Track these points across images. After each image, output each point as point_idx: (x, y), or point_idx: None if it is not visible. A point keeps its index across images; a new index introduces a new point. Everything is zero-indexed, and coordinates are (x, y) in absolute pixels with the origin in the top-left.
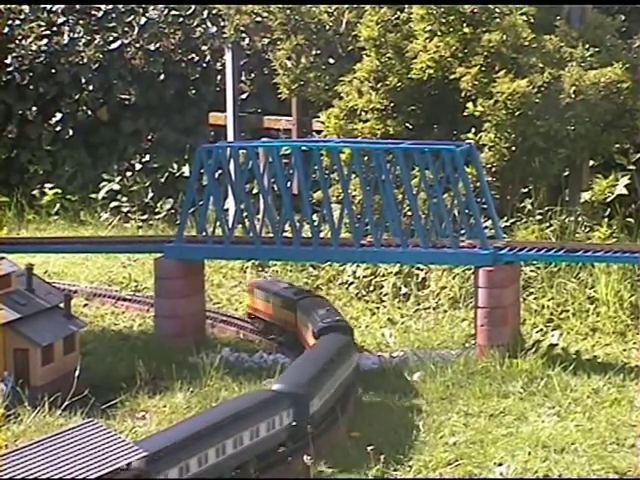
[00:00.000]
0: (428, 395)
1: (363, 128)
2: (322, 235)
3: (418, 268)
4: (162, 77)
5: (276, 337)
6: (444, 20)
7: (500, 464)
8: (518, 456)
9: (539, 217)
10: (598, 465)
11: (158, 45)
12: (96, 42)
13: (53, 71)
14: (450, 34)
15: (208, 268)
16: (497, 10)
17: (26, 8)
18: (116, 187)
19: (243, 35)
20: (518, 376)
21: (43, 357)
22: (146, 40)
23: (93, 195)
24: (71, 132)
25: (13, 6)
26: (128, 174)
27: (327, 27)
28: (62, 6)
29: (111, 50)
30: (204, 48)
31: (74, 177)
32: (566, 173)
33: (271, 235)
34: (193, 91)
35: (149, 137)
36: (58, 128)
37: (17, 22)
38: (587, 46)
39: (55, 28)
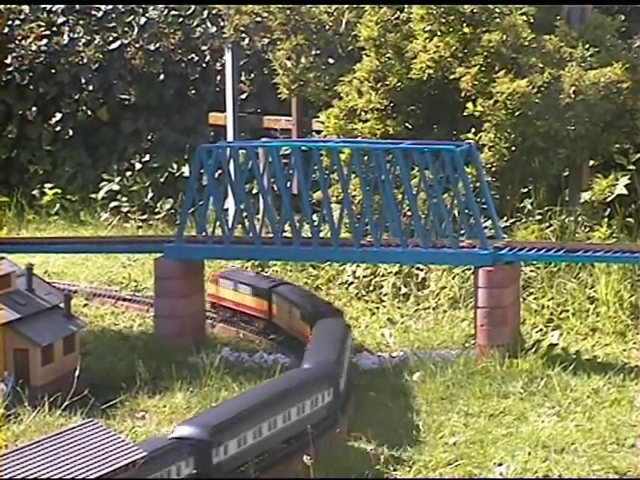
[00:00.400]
0: (428, 395)
1: (363, 128)
2: (322, 235)
3: (418, 268)
4: (162, 77)
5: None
6: (444, 20)
7: (500, 464)
8: (518, 456)
9: (539, 217)
10: (598, 465)
11: (158, 45)
12: (96, 42)
13: (53, 71)
14: (450, 34)
15: (208, 268)
16: (497, 10)
17: (26, 8)
18: (116, 187)
19: (243, 35)
20: (518, 376)
21: (43, 357)
22: (146, 40)
23: (93, 195)
24: (71, 132)
25: (13, 6)
26: (128, 174)
27: (327, 27)
28: (62, 6)
29: (111, 50)
30: (204, 48)
31: (74, 177)
32: (566, 173)
33: (271, 235)
34: (193, 91)
35: (149, 137)
36: (58, 128)
37: (17, 22)
38: (587, 46)
39: (55, 28)
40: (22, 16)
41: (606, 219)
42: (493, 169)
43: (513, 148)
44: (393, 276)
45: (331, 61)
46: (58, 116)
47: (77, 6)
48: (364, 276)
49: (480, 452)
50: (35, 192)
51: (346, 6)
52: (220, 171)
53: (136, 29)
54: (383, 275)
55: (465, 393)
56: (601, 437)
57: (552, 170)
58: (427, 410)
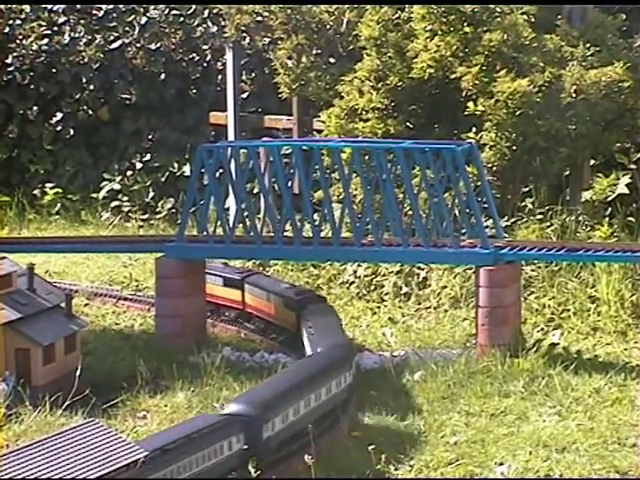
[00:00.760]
0: (429, 394)
1: (364, 127)
2: (323, 235)
3: (419, 267)
4: (163, 77)
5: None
6: (445, 19)
7: (501, 464)
8: (519, 456)
9: (540, 216)
10: (599, 464)
11: (159, 45)
12: (97, 42)
13: (54, 71)
14: (451, 33)
15: None
16: (498, 9)
17: (27, 8)
18: (117, 187)
19: (244, 34)
20: (519, 375)
21: (44, 357)
22: (147, 40)
23: (94, 195)
24: (72, 132)
25: (14, 6)
26: (129, 174)
27: (328, 26)
28: (63, 6)
29: (112, 50)
30: (205, 47)
31: (75, 177)
32: (567, 172)
33: (272, 235)
34: (194, 90)
35: (150, 137)
36: (59, 128)
37: (18, 22)
38: (588, 45)
39: (56, 28)
40: (23, 15)
41: (607, 218)
42: (494, 168)
43: (514, 147)
44: (394, 275)
45: (332, 60)
46: (59, 116)
47: (78, 5)
48: (365, 275)
49: (481, 451)
50: (36, 192)
51: (347, 5)
52: (221, 170)
53: (137, 28)
54: (384, 274)
55: (466, 392)
56: (602, 436)
57: (553, 169)
58: (428, 409)
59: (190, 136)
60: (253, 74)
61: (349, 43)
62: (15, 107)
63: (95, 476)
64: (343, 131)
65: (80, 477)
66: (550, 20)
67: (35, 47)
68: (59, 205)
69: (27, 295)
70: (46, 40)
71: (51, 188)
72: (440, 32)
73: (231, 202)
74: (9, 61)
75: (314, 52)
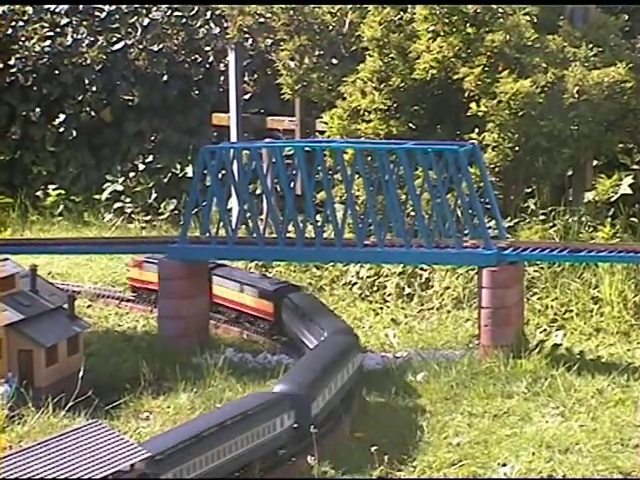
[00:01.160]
0: (432, 395)
1: (366, 128)
2: (325, 235)
3: (422, 268)
4: (165, 78)
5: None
6: (447, 20)
7: (504, 464)
8: (522, 456)
9: (542, 217)
10: (602, 465)
11: (161, 46)
12: (99, 43)
13: (56, 72)
14: (453, 34)
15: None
16: (500, 10)
17: (29, 9)
18: (119, 188)
19: (246, 36)
20: (522, 376)
21: (47, 358)
22: (149, 41)
23: (97, 196)
24: (75, 133)
25: (17, 7)
26: (131, 175)
27: (330, 28)
28: (65, 7)
29: (114, 51)
30: (207, 49)
31: (78, 178)
32: (569, 173)
33: (274, 236)
34: (196, 92)
35: (152, 138)
36: (61, 129)
37: (20, 23)
38: (590, 46)
39: (58, 29)
40: (25, 17)
41: (610, 219)
42: (497, 169)
43: (517, 148)
44: (397, 276)
45: (334, 61)
46: (62, 117)
47: (80, 7)
48: (368, 276)
49: (484, 452)
50: (39, 193)
51: (349, 6)
52: (224, 172)
53: (139, 30)
54: (387, 275)
55: (469, 393)
56: (605, 437)
57: (556, 170)
58: (431, 410)
59: (192, 137)
60: (255, 75)
61: (351, 44)
62: (18, 108)
63: (98, 477)
64: (345, 132)
65: (84, 478)
66: (552, 21)
67: (38, 49)
68: (62, 206)
69: (30, 296)
70: (49, 42)
71: (54, 189)
72: (442, 33)
73: (233, 203)
74: (12, 63)
75: (316, 53)
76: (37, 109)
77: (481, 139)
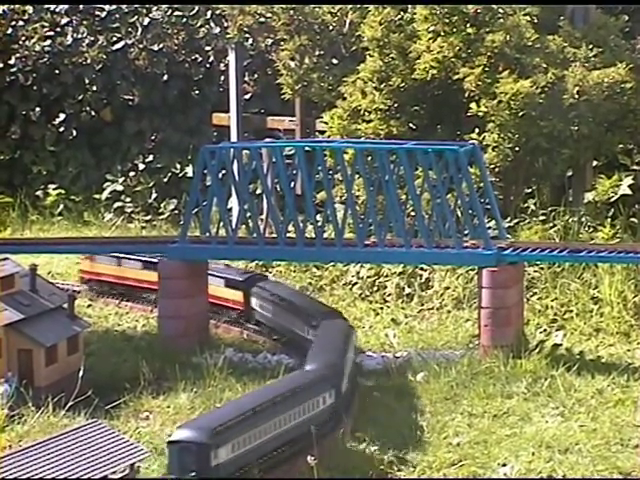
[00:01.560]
0: (432, 395)
1: (367, 128)
2: (326, 235)
3: (422, 268)
4: (165, 78)
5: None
6: (447, 20)
7: (504, 464)
8: (522, 456)
9: (543, 217)
10: (602, 465)
11: (161, 46)
12: (99, 43)
13: (57, 72)
14: (453, 34)
15: None
16: (500, 10)
17: (30, 9)
18: (120, 188)
19: (246, 36)
20: (522, 376)
21: (47, 358)
22: (149, 41)
23: (97, 196)
24: (75, 133)
25: (17, 7)
26: (132, 175)
27: (330, 27)
28: (65, 7)
29: (114, 51)
30: (207, 49)
31: (78, 178)
32: (569, 173)
33: (274, 235)
34: (196, 91)
35: (152, 138)
36: (62, 129)
37: (21, 23)
38: (591, 46)
39: (59, 29)
40: (26, 17)
41: (610, 219)
42: (497, 169)
43: (517, 148)
44: (397, 276)
45: (335, 61)
46: (62, 117)
47: (80, 7)
48: (368, 276)
49: (484, 452)
50: (39, 193)
51: (350, 6)
52: (224, 171)
53: (140, 30)
54: (387, 275)
55: (469, 393)
56: (605, 437)
57: (556, 170)
58: (431, 410)
59: (193, 137)
60: (256, 75)
61: (352, 44)
62: (18, 108)
63: (98, 476)
64: (346, 132)
65: (83, 477)
66: (553, 21)
67: (38, 48)
68: (62, 206)
69: (30, 296)
70: (49, 41)
71: (54, 189)
72: (443, 33)
73: (234, 203)
74: (12, 62)
75: (317, 53)
76: (37, 109)
77: (481, 139)
